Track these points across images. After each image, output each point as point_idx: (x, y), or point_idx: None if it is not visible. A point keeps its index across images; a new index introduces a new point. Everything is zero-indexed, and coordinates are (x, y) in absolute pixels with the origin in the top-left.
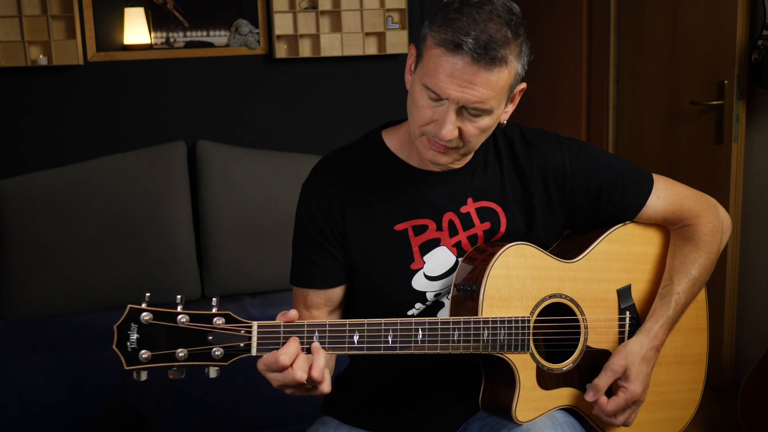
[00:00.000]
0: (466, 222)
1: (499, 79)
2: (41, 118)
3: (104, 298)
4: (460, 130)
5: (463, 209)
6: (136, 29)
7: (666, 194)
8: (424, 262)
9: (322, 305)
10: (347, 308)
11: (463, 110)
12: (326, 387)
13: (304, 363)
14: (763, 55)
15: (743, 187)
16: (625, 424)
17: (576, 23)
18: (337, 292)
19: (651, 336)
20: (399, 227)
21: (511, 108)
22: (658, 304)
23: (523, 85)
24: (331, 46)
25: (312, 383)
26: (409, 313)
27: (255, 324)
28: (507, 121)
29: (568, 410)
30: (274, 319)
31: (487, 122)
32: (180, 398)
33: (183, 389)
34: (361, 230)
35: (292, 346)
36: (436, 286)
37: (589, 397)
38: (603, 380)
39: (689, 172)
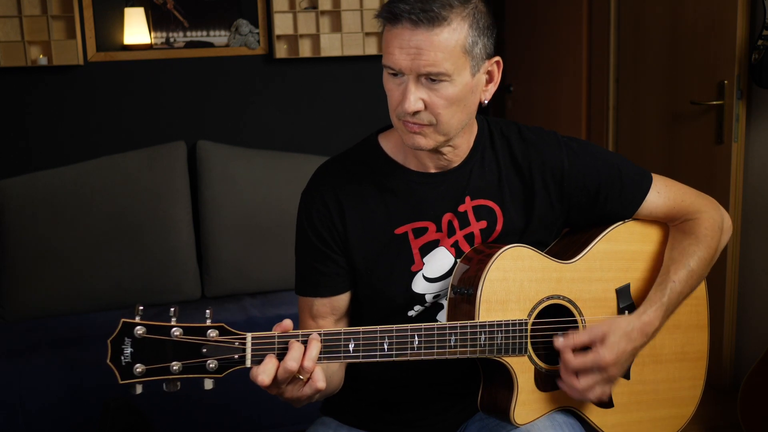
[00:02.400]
0: (463, 221)
1: (445, 40)
2: (41, 118)
3: (104, 298)
4: (426, 103)
5: (461, 208)
6: (136, 29)
7: (666, 190)
8: (424, 264)
9: (328, 314)
10: (353, 317)
11: (422, 79)
12: (321, 383)
13: (297, 353)
14: (763, 55)
15: (743, 187)
16: (586, 395)
17: (576, 23)
18: (342, 300)
19: (642, 318)
20: (399, 231)
21: (492, 87)
22: (653, 291)
23: (497, 59)
24: (331, 46)
25: (305, 374)
26: (409, 314)
27: (249, 335)
28: (501, 121)
29: (568, 411)
30: (273, 320)
31: (450, 91)
32: (180, 399)
33: (183, 389)
34: (362, 236)
35: (269, 363)
36: (435, 287)
37: (557, 342)
38: (578, 336)
39: (689, 172)
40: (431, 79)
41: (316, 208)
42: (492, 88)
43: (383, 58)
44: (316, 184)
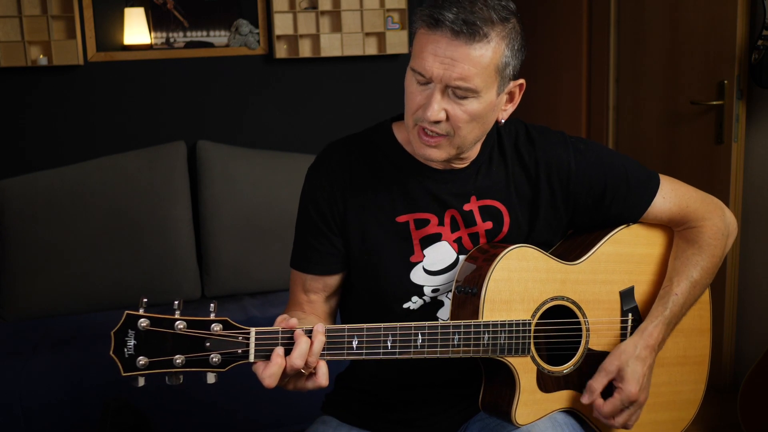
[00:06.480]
0: (468, 220)
1: (481, 57)
2: (41, 118)
3: (104, 298)
4: (449, 114)
5: (466, 207)
6: (136, 29)
7: (672, 195)
8: (424, 256)
9: (320, 290)
10: (343, 295)
11: (449, 90)
12: (323, 379)
13: (304, 348)
14: (763, 55)
15: (743, 187)
16: (626, 426)
17: (576, 23)
18: (334, 280)
19: (645, 335)
20: (401, 219)
21: (510, 108)
22: (656, 305)
23: (521, 81)
24: (331, 46)
25: (308, 369)
26: (405, 306)
27: (253, 330)
28: (508, 121)
29: (569, 412)
30: (273, 320)
31: (475, 107)
32: (180, 398)
33: (183, 389)
34: (362, 218)
35: (275, 366)
36: (435, 281)
37: (585, 399)
38: (597, 381)
39: (689, 172)
40: (458, 93)
41: (319, 182)
42: (510, 108)
43: (413, 61)
44: (324, 160)
